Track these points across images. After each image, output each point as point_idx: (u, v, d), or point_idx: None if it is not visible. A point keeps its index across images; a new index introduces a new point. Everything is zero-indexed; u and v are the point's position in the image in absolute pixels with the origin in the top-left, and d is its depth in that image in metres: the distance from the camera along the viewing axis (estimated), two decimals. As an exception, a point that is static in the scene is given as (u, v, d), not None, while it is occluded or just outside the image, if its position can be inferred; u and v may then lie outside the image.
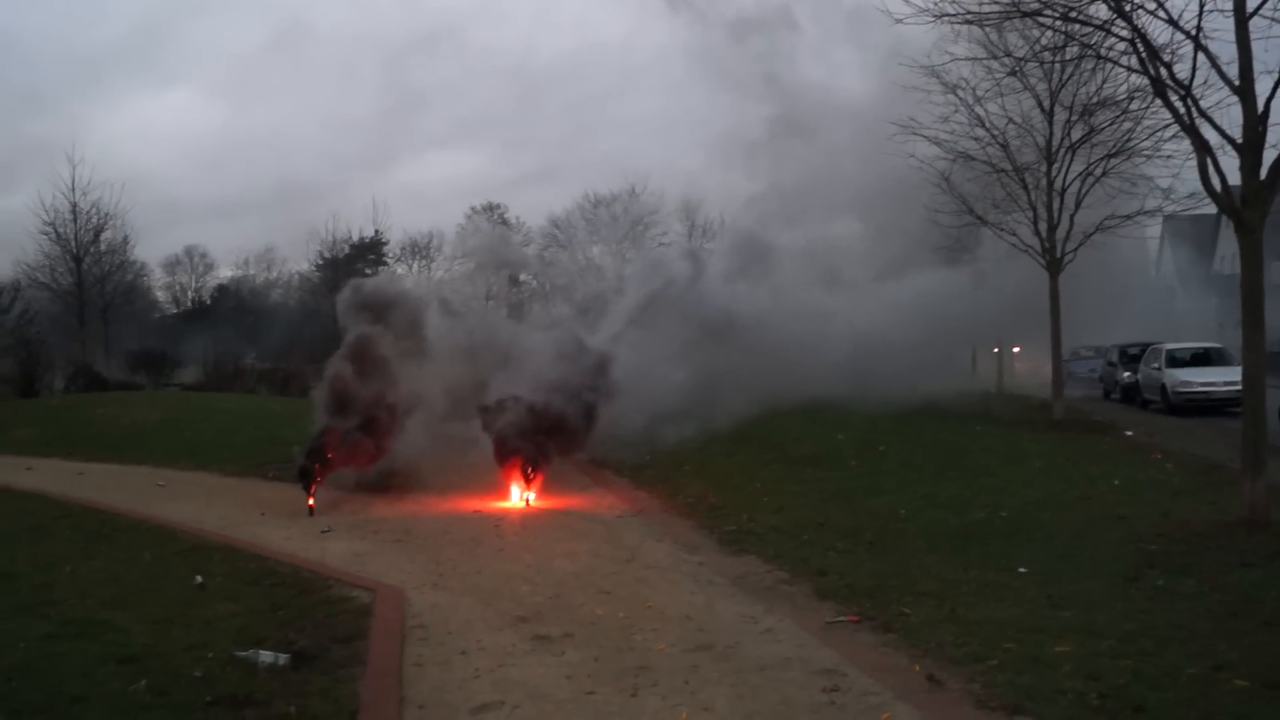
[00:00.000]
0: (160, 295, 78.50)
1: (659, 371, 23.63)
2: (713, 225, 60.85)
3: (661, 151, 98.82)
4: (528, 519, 15.38)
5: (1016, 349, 44.31)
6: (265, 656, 8.14)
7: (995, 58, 17.35)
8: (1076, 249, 25.07)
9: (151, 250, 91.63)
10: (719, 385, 25.29)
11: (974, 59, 17.88)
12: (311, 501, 16.31)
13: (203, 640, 8.68)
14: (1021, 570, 10.60)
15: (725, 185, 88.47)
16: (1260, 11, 11.55)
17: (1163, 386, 30.09)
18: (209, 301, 78.24)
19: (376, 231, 65.69)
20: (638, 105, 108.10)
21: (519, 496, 16.57)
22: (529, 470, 16.71)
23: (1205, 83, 12.70)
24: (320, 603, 10.22)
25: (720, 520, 14.26)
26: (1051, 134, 24.24)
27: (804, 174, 40.70)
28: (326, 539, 14.07)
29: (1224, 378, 26.66)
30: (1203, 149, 12.22)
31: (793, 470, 18.30)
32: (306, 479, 16.57)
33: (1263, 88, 11.65)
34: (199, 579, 11.09)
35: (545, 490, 16.88)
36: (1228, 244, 45.14)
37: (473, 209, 68.15)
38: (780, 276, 32.20)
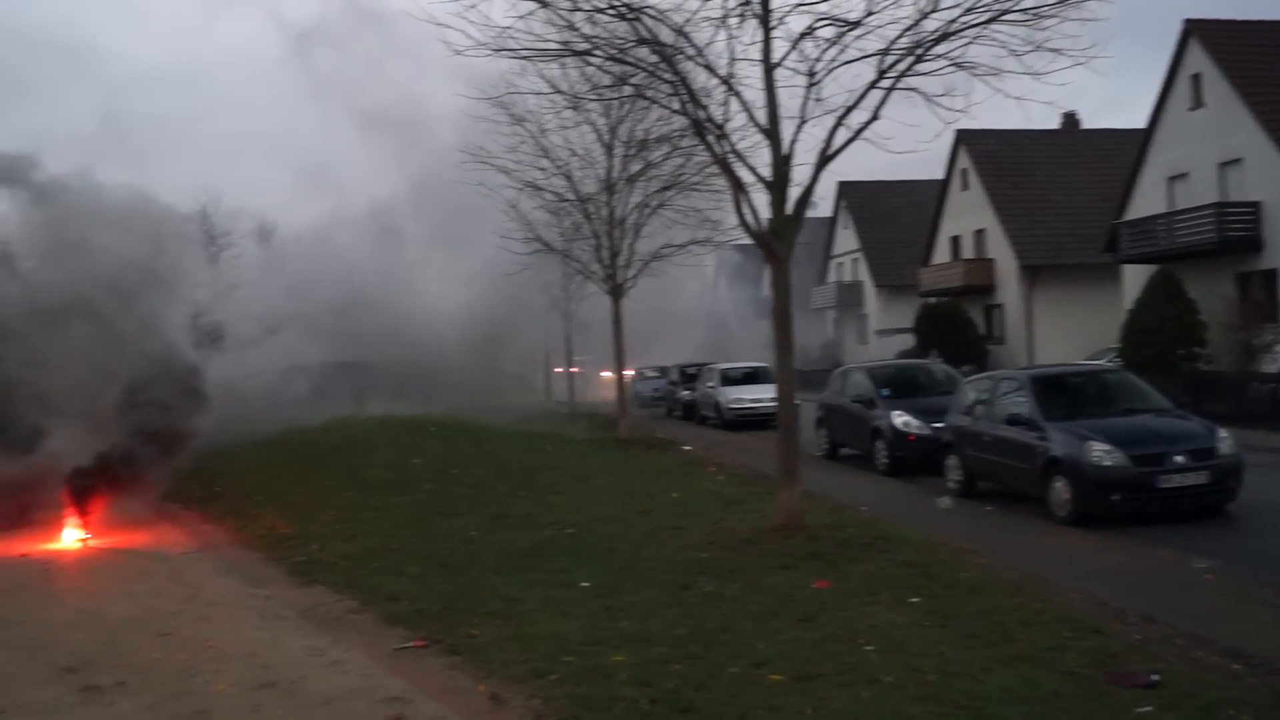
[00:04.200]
0: None
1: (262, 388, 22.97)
2: (288, 247, 59.20)
3: (240, 172, 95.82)
4: (82, 561, 14.34)
5: (606, 373, 46.02)
6: None
7: (556, 92, 18.04)
8: (636, 276, 26.46)
9: None
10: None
11: (536, 93, 18.56)
12: None
13: None
14: (585, 584, 10.99)
15: (303, 206, 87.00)
16: (783, 63, 12.71)
17: (717, 403, 32.23)
18: None
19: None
20: (218, 123, 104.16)
21: (73, 536, 15.42)
22: (85, 503, 15.60)
23: (742, 125, 13.86)
24: None
25: (291, 551, 13.87)
26: (611, 167, 25.41)
27: (390, 193, 41.00)
28: None
29: (770, 394, 28.72)
30: (737, 186, 13.26)
31: (367, 496, 18.09)
32: None
33: (787, 132, 12.79)
34: None
35: (105, 528, 15.81)
36: (774, 270, 49.31)
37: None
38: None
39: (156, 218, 22.51)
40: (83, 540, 15.30)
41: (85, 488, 15.85)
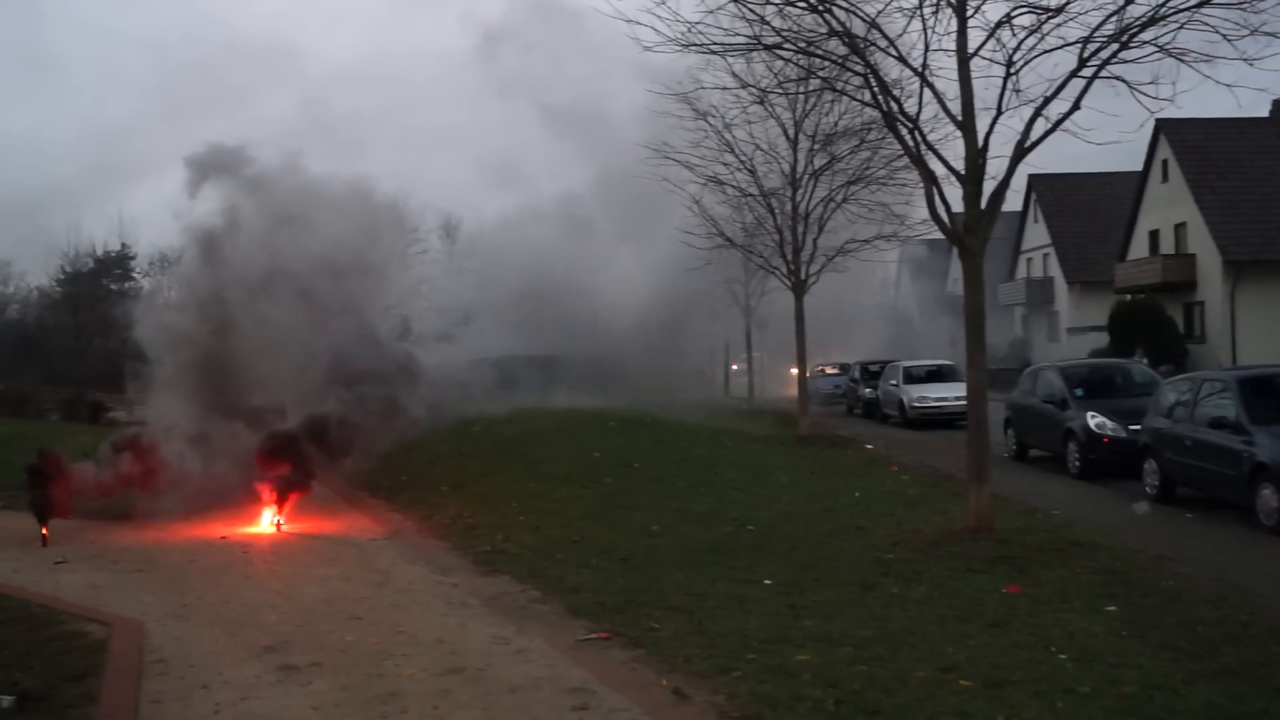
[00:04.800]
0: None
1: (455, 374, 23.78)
2: (472, 241, 60.63)
3: (426, 169, 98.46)
4: (278, 545, 14.94)
5: (795, 370, 45.74)
6: (-13, 700, 7.58)
7: (743, 87, 17.94)
8: (819, 271, 26.18)
9: None
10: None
11: (723, 88, 18.51)
12: (45, 531, 15.42)
13: (-86, 686, 8.03)
14: (766, 582, 10.92)
15: (486, 202, 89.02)
16: (979, 53, 12.38)
17: (900, 401, 31.69)
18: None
19: (122, 245, 62.52)
20: (406, 120, 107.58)
21: (269, 521, 16.08)
22: (285, 492, 16.25)
23: (934, 117, 13.58)
24: (51, 639, 9.62)
25: (476, 540, 14.17)
26: (796, 161, 25.19)
27: (573, 190, 41.84)
28: (60, 570, 13.30)
29: (955, 393, 28.13)
30: (929, 179, 12.96)
31: (549, 488, 18.35)
32: (39, 506, 15.66)
33: (982, 123, 12.45)
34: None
35: (297, 514, 16.45)
36: (960, 267, 48.41)
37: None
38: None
39: (374, 207, 23.44)
40: (277, 525, 15.92)
41: (286, 461, 16.54)
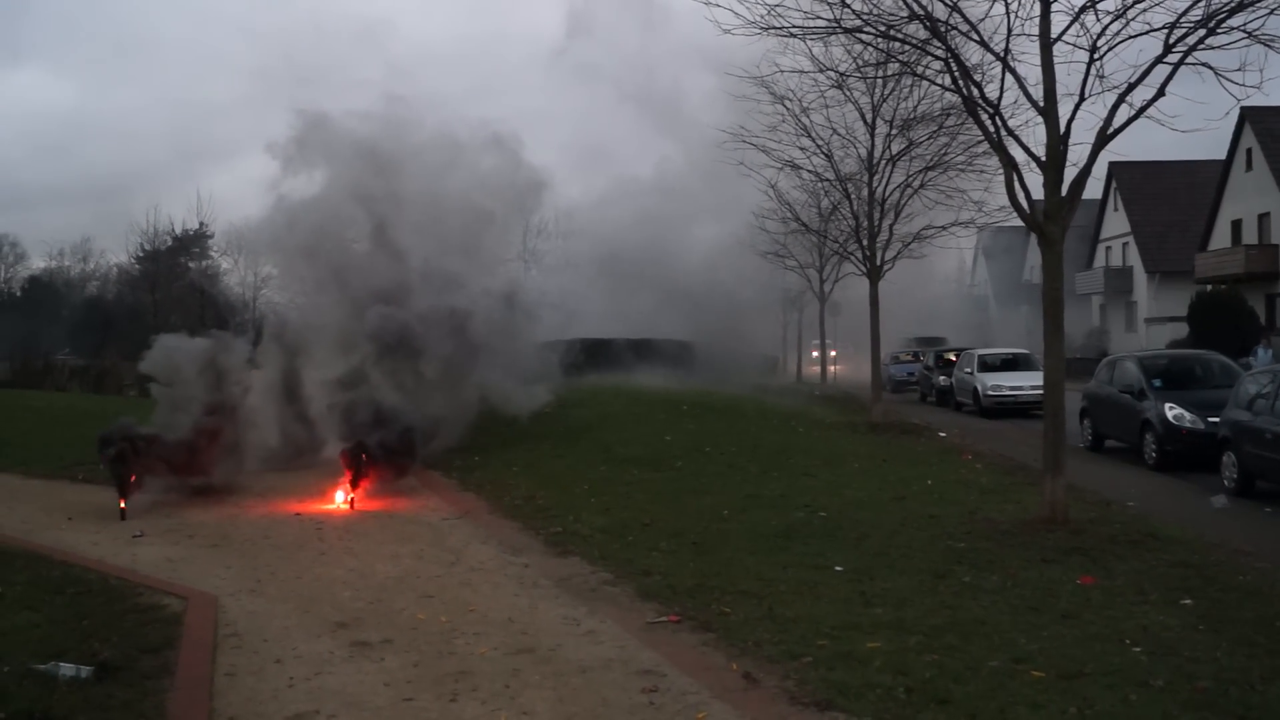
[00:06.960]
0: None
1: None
2: (548, 226, 60.89)
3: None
4: (351, 522, 15.12)
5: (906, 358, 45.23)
6: (66, 669, 7.75)
7: (821, 71, 17.80)
8: (895, 257, 25.93)
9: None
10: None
11: (801, 71, 18.37)
12: (123, 504, 15.76)
13: (-1, 652, 8.28)
14: (838, 568, 10.88)
15: (560, 185, 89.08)
16: (1063, 38, 12.18)
17: (974, 390, 31.36)
18: (18, 293, 74.47)
19: (200, 224, 63.62)
20: (486, 101, 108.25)
21: (342, 499, 16.29)
22: (361, 469, 16.45)
23: (1014, 103, 13.39)
24: (128, 611, 9.86)
25: (547, 522, 14.24)
26: (873, 146, 24.91)
27: (643, 174, 41.95)
28: (138, 544, 13.60)
29: (1030, 382, 27.83)
30: (1009, 165, 12.78)
31: (620, 471, 18.41)
32: (120, 480, 16.00)
33: (1064, 109, 12.25)
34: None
35: (370, 493, 16.65)
36: (1037, 255, 47.65)
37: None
38: None
39: (517, 162, 24.13)
40: (351, 502, 16.11)
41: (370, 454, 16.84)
